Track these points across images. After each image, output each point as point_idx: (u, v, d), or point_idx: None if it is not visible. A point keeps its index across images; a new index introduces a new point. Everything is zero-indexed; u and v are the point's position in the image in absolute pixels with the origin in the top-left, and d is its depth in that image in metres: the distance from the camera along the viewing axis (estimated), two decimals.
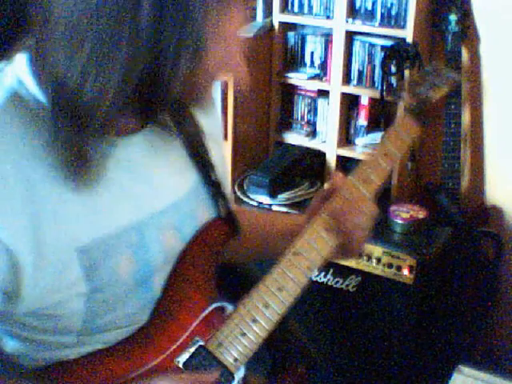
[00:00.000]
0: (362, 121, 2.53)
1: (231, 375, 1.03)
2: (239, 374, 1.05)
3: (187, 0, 0.80)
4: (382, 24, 2.38)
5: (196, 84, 0.89)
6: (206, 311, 1.06)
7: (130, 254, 0.98)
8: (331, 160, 2.57)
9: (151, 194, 1.01)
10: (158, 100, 0.87)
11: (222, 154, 1.20)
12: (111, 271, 0.95)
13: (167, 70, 0.83)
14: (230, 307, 1.08)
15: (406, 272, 2.13)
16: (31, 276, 0.89)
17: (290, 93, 2.68)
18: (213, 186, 1.11)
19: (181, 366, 1.01)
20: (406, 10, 2.32)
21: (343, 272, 2.20)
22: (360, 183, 1.10)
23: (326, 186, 1.17)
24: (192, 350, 1.02)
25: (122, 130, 0.96)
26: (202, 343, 1.02)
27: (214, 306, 1.07)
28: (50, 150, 0.88)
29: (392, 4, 2.35)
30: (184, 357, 1.01)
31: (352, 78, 2.50)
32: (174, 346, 1.02)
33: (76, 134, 0.86)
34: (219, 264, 1.14)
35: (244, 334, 1.03)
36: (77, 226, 0.92)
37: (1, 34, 0.94)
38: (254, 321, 1.03)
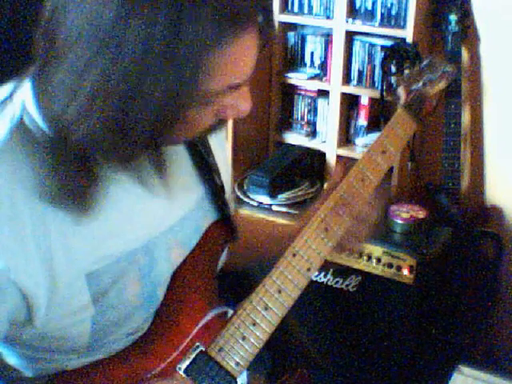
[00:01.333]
0: (362, 121, 2.53)
1: (234, 380, 1.02)
2: (242, 380, 1.05)
3: (178, 36, 0.77)
4: (382, 24, 2.38)
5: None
6: (208, 317, 1.05)
7: (137, 275, 0.97)
8: (331, 160, 2.57)
9: (157, 213, 1.00)
10: (135, 133, 0.82)
11: (225, 155, 1.20)
12: (119, 294, 0.95)
13: (143, 98, 0.79)
14: (231, 312, 1.07)
15: (405, 272, 2.13)
16: (45, 307, 0.88)
17: (289, 93, 2.68)
18: (217, 191, 1.10)
19: (182, 372, 1.00)
20: (406, 10, 2.32)
21: (343, 272, 2.20)
22: (357, 182, 1.10)
23: (326, 185, 1.16)
24: (193, 356, 1.01)
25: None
26: (202, 349, 1.01)
27: (215, 311, 1.06)
28: (52, 182, 0.86)
29: (392, 4, 2.35)
30: (185, 363, 1.01)
31: (352, 77, 2.50)
32: (176, 353, 1.01)
33: (73, 168, 0.85)
34: (219, 268, 1.14)
35: (245, 338, 1.02)
36: (87, 253, 0.91)
37: (9, 56, 0.93)
38: (254, 324, 1.02)
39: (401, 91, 1.19)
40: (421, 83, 1.20)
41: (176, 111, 0.82)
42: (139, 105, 0.79)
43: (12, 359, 0.99)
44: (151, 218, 0.98)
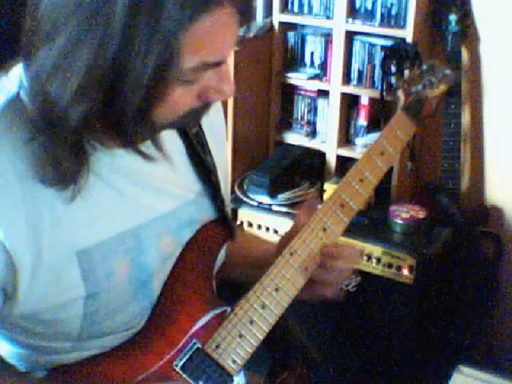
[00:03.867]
0: (362, 121, 2.53)
1: (230, 377, 1.02)
2: (240, 380, 1.05)
3: (161, 8, 0.78)
4: (382, 24, 2.38)
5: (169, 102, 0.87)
6: (207, 316, 1.05)
7: (126, 258, 0.97)
8: (331, 160, 2.57)
9: (151, 200, 1.00)
10: (124, 113, 0.83)
11: (225, 154, 1.20)
12: (108, 275, 0.95)
13: (132, 75, 0.80)
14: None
15: (406, 272, 2.13)
16: (29, 278, 0.89)
17: (289, 93, 2.68)
18: (212, 188, 1.10)
19: (178, 369, 1.01)
20: (406, 10, 2.32)
21: None
22: (356, 182, 1.10)
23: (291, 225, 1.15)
24: (190, 352, 1.01)
25: (119, 144, 0.95)
26: (199, 346, 1.02)
27: (215, 311, 1.06)
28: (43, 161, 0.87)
29: (392, 4, 2.35)
30: (182, 360, 1.01)
31: (352, 78, 2.50)
32: (174, 351, 1.02)
33: (49, 137, 0.85)
34: (216, 268, 1.14)
35: (241, 336, 1.02)
36: (76, 230, 0.92)
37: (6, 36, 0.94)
38: (252, 322, 1.03)
39: (400, 93, 1.20)
40: (421, 86, 1.21)
41: (162, 86, 0.83)
42: (129, 81, 0.81)
43: (6, 348, 1.00)
44: (142, 204, 0.99)
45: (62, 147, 0.85)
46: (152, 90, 0.82)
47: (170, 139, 1.04)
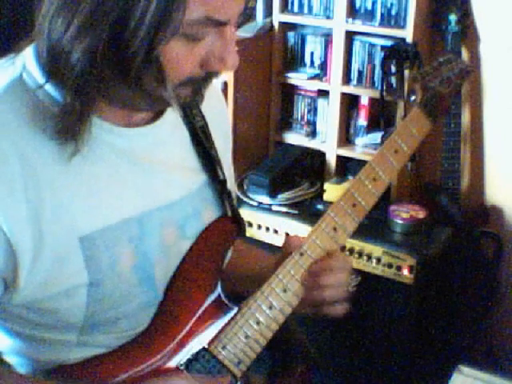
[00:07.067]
0: (362, 121, 2.53)
1: (235, 378, 1.02)
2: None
3: None
4: (382, 24, 2.38)
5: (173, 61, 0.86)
6: (203, 307, 1.05)
7: (130, 246, 0.96)
8: (331, 160, 2.57)
9: (155, 188, 1.00)
10: (127, 51, 0.82)
11: (229, 150, 1.20)
12: (111, 262, 0.94)
13: (136, 12, 0.80)
14: (225, 299, 1.06)
15: (406, 272, 2.13)
16: (30, 263, 0.88)
17: (289, 93, 2.68)
18: (219, 184, 1.10)
19: (183, 369, 1.00)
20: (406, 10, 2.32)
21: None
22: (369, 181, 1.08)
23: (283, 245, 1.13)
24: (195, 353, 1.01)
25: (132, 121, 0.96)
26: (205, 346, 1.01)
27: (209, 300, 1.06)
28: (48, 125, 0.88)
29: (392, 4, 2.35)
30: (187, 360, 1.01)
31: (352, 78, 2.50)
32: (172, 344, 1.02)
33: (56, 81, 0.87)
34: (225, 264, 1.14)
35: (248, 337, 1.02)
36: (79, 215, 0.91)
37: (11, 29, 0.96)
38: (258, 323, 1.02)
39: (417, 89, 1.15)
40: (438, 80, 1.17)
41: (165, 32, 0.82)
42: (133, 19, 0.80)
43: (11, 343, 0.99)
44: (146, 192, 0.98)
45: (69, 92, 0.86)
46: (155, 33, 0.81)
47: (176, 129, 1.04)
